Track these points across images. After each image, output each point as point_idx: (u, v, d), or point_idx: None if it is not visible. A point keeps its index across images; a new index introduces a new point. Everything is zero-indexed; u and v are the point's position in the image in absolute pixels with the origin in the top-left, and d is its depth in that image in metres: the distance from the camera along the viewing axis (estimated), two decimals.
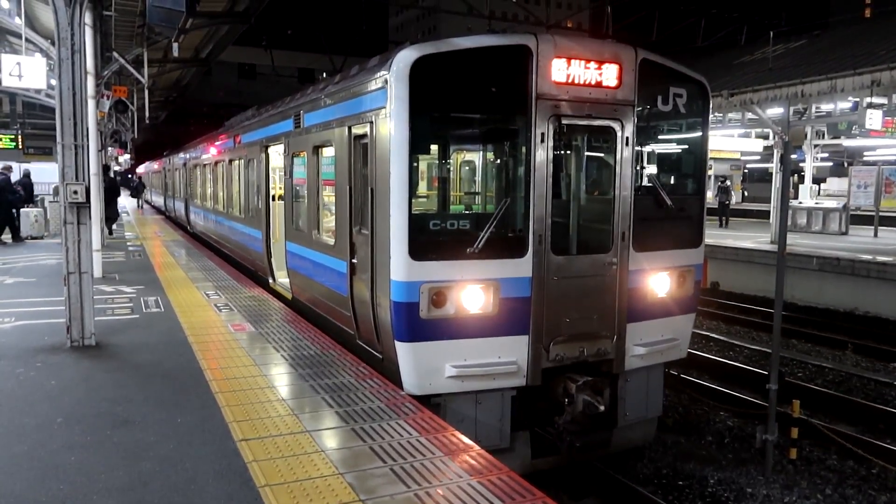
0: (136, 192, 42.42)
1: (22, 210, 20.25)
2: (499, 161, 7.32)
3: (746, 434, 8.81)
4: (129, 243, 18.97)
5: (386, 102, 6.16)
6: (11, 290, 11.33)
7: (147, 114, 23.22)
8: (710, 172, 32.08)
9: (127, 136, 26.36)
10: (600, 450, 6.96)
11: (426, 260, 6.04)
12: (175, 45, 14.25)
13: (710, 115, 7.76)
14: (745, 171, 45.69)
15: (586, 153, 7.04)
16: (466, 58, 6.21)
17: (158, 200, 36.40)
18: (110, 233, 20.97)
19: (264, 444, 4.88)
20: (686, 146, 7.70)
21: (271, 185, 11.81)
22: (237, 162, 14.04)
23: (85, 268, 7.64)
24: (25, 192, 21.16)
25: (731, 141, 27.52)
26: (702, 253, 7.59)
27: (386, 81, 6.15)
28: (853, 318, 15.11)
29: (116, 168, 32.16)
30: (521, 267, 6.32)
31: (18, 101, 29.98)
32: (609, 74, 6.55)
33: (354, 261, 7.20)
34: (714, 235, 20.82)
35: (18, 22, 12.63)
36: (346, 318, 7.58)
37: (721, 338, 13.76)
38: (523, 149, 6.39)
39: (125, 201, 28.94)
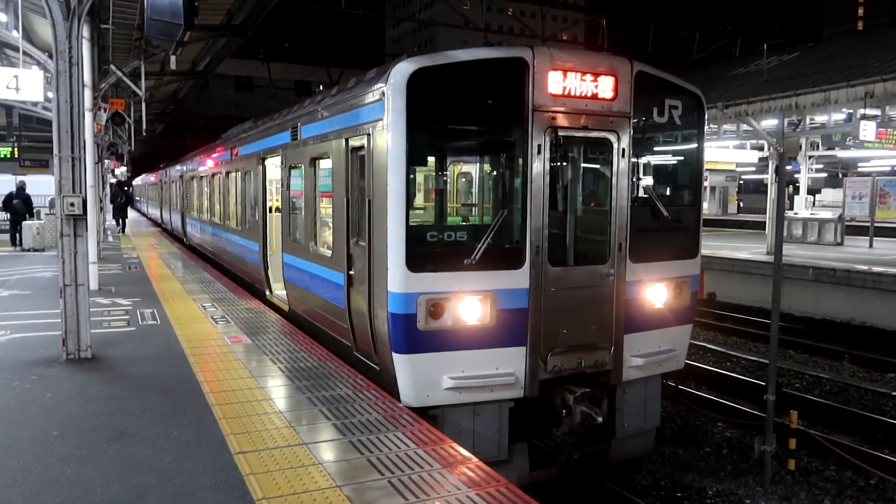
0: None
1: (24, 223, 20.25)
2: (496, 173, 7.35)
3: (745, 445, 8.80)
4: (125, 255, 18.94)
5: (383, 114, 6.19)
6: (7, 302, 11.28)
7: (144, 126, 23.24)
8: (705, 184, 32.22)
9: (124, 148, 26.39)
10: (598, 461, 6.93)
11: (423, 271, 6.04)
12: (173, 58, 14.27)
13: (706, 127, 7.81)
14: (741, 182, 45.89)
15: (583, 165, 7.07)
16: (463, 70, 6.24)
17: (155, 213, 36.37)
18: (122, 230, 28.75)
19: (261, 457, 4.86)
20: (682, 157, 7.73)
21: (268, 197, 11.82)
22: (234, 174, 14.05)
23: (81, 280, 7.63)
24: (25, 205, 21.15)
25: (726, 152, 27.67)
26: (698, 263, 7.60)
27: (383, 94, 6.18)
28: (850, 329, 15.14)
29: (112, 181, 32.63)
30: (519, 278, 6.33)
31: (15, 113, 29.97)
32: (605, 86, 6.59)
33: (352, 272, 7.21)
34: (711, 246, 20.86)
35: (16, 35, 12.65)
36: (344, 329, 7.57)
37: (718, 349, 13.77)
38: (520, 160, 6.41)
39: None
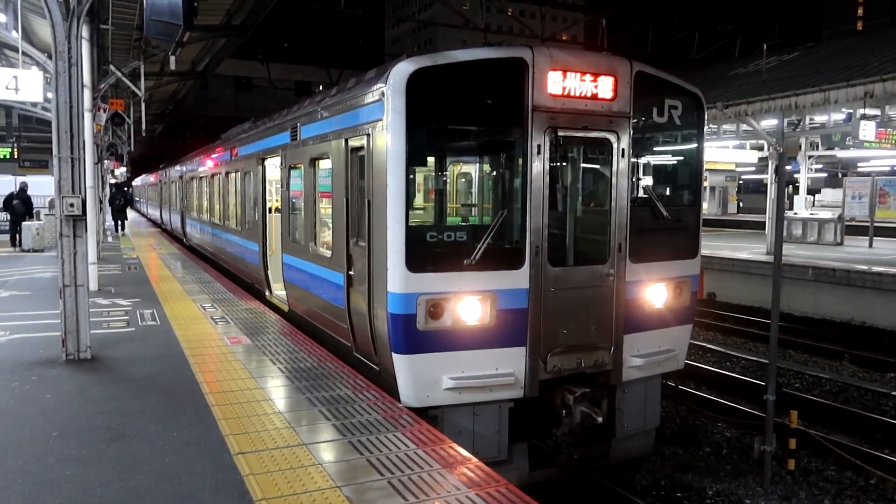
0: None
1: (24, 223, 20.25)
2: (495, 173, 7.35)
3: (744, 445, 8.79)
4: (125, 256, 18.94)
5: (383, 115, 6.19)
6: (6, 303, 11.28)
7: (144, 127, 23.22)
8: (705, 184, 32.19)
9: (123, 148, 26.41)
10: (598, 461, 6.93)
11: (423, 272, 6.04)
12: (172, 59, 14.28)
13: (705, 127, 7.81)
14: (740, 182, 45.88)
15: (582, 165, 7.07)
16: (463, 70, 6.24)
17: (154, 213, 36.38)
18: (122, 232, 28.73)
19: (261, 458, 4.85)
20: (681, 157, 7.73)
21: (268, 198, 11.82)
22: (234, 174, 14.05)
23: (81, 281, 7.62)
24: (25, 206, 21.16)
25: (726, 152, 27.65)
26: (698, 264, 7.60)
27: (383, 94, 6.18)
28: (850, 329, 15.13)
29: (112, 181, 32.71)
30: (518, 278, 6.33)
31: (14, 114, 29.99)
32: (605, 87, 6.59)
33: (351, 273, 7.20)
34: (710, 246, 20.87)
35: (15, 35, 12.65)
36: (343, 330, 7.57)
37: (718, 349, 13.77)
38: (520, 160, 6.41)
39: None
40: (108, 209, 28.15)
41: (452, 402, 6.22)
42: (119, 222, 29.54)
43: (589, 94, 6.52)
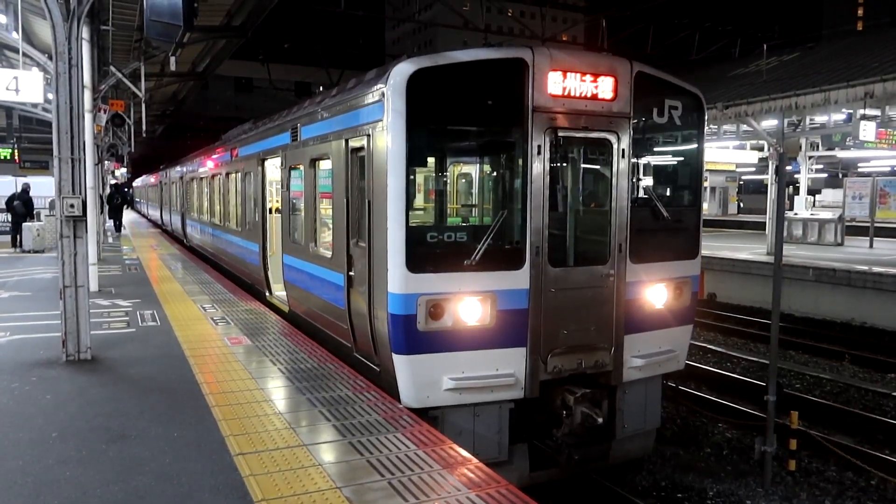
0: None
1: (24, 224, 20.26)
2: (495, 173, 7.35)
3: (745, 446, 8.79)
4: (125, 257, 18.94)
5: (383, 115, 6.19)
6: (7, 304, 11.28)
7: (144, 127, 23.25)
8: (705, 184, 32.20)
9: (124, 149, 26.42)
10: (599, 462, 6.93)
11: (423, 272, 6.04)
12: (172, 59, 14.28)
13: (706, 127, 7.81)
14: (741, 182, 45.89)
15: (583, 165, 7.07)
16: (463, 71, 6.24)
17: (155, 214, 36.39)
18: (119, 232, 28.69)
19: (261, 458, 4.85)
20: (682, 158, 7.73)
21: (268, 198, 11.82)
22: (234, 175, 14.06)
23: (81, 281, 7.62)
24: (25, 207, 21.17)
25: (726, 153, 27.67)
26: (698, 264, 7.60)
27: (383, 94, 6.18)
28: (850, 329, 15.12)
29: (112, 181, 32.79)
30: (519, 279, 6.33)
31: (15, 115, 30.01)
32: (605, 87, 6.59)
33: (351, 273, 7.20)
34: (711, 247, 20.87)
35: (16, 36, 12.66)
36: (344, 330, 7.57)
37: (718, 349, 13.76)
38: (520, 161, 6.41)
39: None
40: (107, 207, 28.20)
41: (453, 403, 6.22)
42: (116, 221, 29.58)
43: (589, 95, 6.52)
